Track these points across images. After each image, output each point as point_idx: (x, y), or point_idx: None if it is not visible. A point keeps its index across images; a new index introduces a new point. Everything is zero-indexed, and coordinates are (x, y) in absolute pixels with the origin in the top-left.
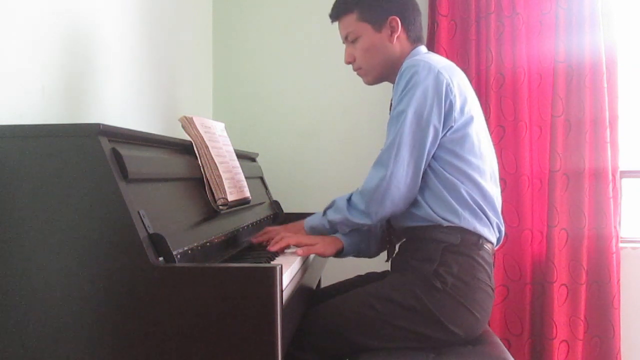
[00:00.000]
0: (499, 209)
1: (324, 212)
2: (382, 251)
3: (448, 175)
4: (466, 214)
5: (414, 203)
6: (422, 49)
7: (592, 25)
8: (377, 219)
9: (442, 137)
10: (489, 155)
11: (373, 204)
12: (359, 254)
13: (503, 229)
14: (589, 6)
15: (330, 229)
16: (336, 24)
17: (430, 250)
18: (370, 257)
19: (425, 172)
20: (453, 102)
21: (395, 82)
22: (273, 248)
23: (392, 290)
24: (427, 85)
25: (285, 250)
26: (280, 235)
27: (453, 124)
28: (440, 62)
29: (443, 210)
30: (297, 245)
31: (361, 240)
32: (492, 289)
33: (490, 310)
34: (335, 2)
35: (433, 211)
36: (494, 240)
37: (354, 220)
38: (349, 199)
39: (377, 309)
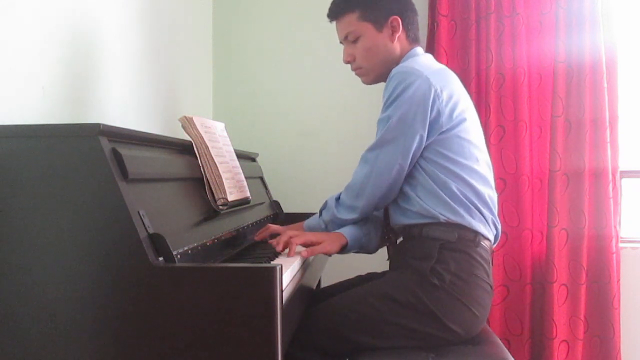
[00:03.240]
0: (495, 210)
1: (320, 213)
2: (381, 247)
3: (439, 174)
4: (460, 210)
5: (408, 200)
6: (419, 50)
7: (592, 25)
8: (363, 213)
9: (430, 141)
10: (482, 159)
11: (358, 199)
12: (360, 249)
13: (499, 226)
14: (589, 6)
15: (326, 229)
16: (335, 23)
17: (427, 247)
18: (370, 252)
19: (416, 171)
20: (440, 109)
21: (385, 87)
22: (279, 248)
23: (390, 288)
24: (414, 93)
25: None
26: (287, 235)
27: (441, 129)
28: (430, 67)
29: (437, 205)
30: (303, 244)
31: (363, 234)
32: (490, 286)
33: (489, 307)
34: (334, 1)
35: (428, 206)
36: (491, 237)
37: (341, 217)
38: (338, 198)
39: (375, 307)
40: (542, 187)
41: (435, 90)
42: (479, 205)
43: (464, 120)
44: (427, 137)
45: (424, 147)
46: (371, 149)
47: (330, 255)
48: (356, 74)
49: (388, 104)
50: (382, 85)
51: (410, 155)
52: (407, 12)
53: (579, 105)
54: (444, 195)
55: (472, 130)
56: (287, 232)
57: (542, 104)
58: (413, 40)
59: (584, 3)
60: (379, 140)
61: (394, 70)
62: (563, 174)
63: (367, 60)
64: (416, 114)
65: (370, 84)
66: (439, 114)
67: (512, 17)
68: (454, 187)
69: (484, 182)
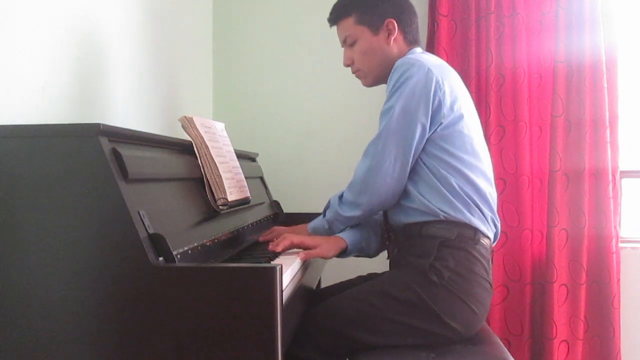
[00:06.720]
0: (494, 207)
1: (323, 214)
2: (381, 251)
3: (441, 169)
4: (460, 206)
5: (409, 196)
6: (418, 50)
7: (592, 25)
8: (367, 210)
9: (432, 133)
10: (483, 155)
11: (361, 194)
12: (360, 253)
13: (499, 224)
14: (589, 6)
15: (329, 229)
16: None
17: (426, 245)
18: (369, 256)
19: (418, 166)
20: (442, 99)
21: (388, 80)
22: (277, 248)
23: (389, 286)
24: (416, 82)
25: (288, 251)
26: (284, 235)
27: (442, 121)
28: (431, 61)
29: (437, 201)
30: (300, 245)
31: (362, 239)
32: (489, 283)
33: (489, 305)
34: (333, 6)
35: (429, 201)
36: (491, 236)
37: (344, 214)
38: (341, 196)
39: (375, 305)
40: (542, 187)
41: (437, 81)
42: (478, 202)
43: (465, 114)
44: (429, 128)
45: (427, 141)
46: (374, 141)
47: (329, 258)
48: (356, 76)
49: (391, 93)
50: (382, 86)
51: (414, 147)
52: (403, 15)
53: (579, 105)
54: (445, 190)
55: (473, 126)
56: (287, 234)
57: (542, 104)
58: (412, 42)
59: (584, 3)
60: (381, 133)
61: (397, 62)
62: (563, 174)
63: (365, 63)
64: (419, 103)
65: (370, 86)
66: (440, 104)
67: (512, 17)
68: (454, 182)
69: (485, 179)
